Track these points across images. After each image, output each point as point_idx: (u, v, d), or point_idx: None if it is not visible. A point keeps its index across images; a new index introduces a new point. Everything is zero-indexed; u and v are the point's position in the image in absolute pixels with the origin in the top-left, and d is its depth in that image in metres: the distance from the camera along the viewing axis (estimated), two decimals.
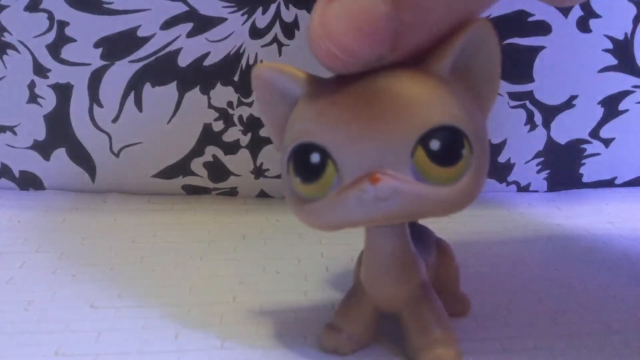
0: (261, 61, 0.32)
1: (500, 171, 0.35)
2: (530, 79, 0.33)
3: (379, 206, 0.16)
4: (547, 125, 0.34)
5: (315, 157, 0.16)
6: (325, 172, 0.16)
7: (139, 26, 0.31)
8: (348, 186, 0.16)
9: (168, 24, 0.31)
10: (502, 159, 0.35)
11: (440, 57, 0.16)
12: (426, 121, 0.15)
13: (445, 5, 0.15)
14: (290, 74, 0.17)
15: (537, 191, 0.36)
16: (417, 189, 0.16)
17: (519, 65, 0.32)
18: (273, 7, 0.31)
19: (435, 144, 0.15)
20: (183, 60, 0.32)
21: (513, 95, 0.33)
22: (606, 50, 0.32)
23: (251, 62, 0.32)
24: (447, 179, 0.16)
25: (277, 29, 0.31)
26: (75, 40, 0.31)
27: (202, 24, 0.31)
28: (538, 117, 0.34)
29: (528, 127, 0.34)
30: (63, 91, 0.33)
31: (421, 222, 0.22)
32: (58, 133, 0.34)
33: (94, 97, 0.33)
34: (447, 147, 0.16)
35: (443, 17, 0.15)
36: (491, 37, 0.16)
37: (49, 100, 0.33)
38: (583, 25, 0.32)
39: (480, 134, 0.16)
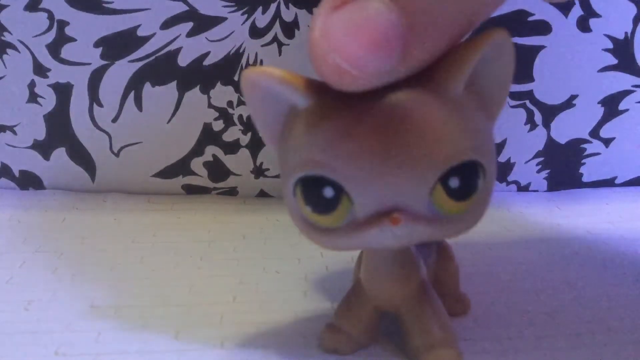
0: (261, 62, 0.32)
1: (501, 171, 0.35)
2: (530, 79, 0.33)
3: (395, 240, 0.16)
4: (547, 124, 0.34)
5: (328, 192, 0.16)
6: (339, 206, 0.16)
7: (139, 26, 0.31)
8: (367, 223, 0.16)
9: (168, 24, 0.31)
10: (502, 158, 0.35)
11: (457, 73, 0.15)
12: (447, 159, 0.15)
13: (455, 9, 0.14)
14: (284, 79, 0.16)
15: (537, 191, 0.36)
16: (433, 225, 0.16)
17: (519, 65, 0.32)
18: (273, 6, 0.31)
19: (454, 182, 0.15)
20: (183, 60, 0.32)
21: (513, 95, 0.33)
22: (606, 50, 0.32)
23: (251, 61, 0.32)
24: (463, 211, 0.16)
25: (277, 28, 0.31)
26: (75, 40, 0.31)
27: (202, 23, 0.31)
28: (538, 117, 0.34)
29: (528, 126, 0.34)
30: (63, 91, 0.33)
31: None
32: (58, 133, 0.34)
33: (94, 97, 0.33)
34: (465, 183, 0.15)
35: (453, 22, 0.14)
36: (509, 47, 0.16)
37: (49, 100, 0.33)
38: (583, 25, 0.32)
39: (491, 154, 0.16)
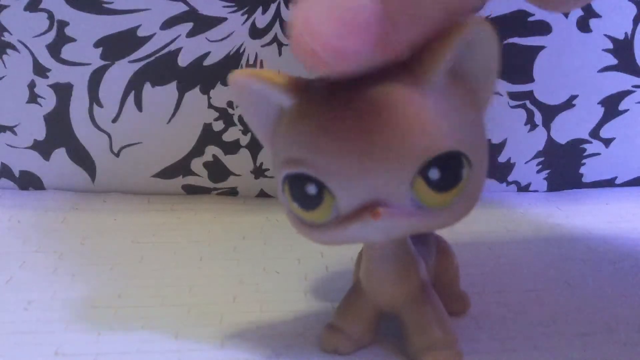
0: (261, 62, 0.32)
1: (501, 171, 0.35)
2: (531, 79, 0.33)
3: (378, 233, 0.16)
4: (547, 125, 0.34)
5: (311, 189, 0.16)
6: (323, 202, 0.16)
7: (139, 26, 0.31)
8: (349, 218, 0.16)
9: (168, 24, 0.31)
10: (502, 158, 0.35)
11: (434, 64, 0.15)
12: (424, 151, 0.15)
13: (437, 6, 0.14)
14: (268, 81, 0.16)
15: (537, 191, 0.36)
16: (416, 218, 0.16)
17: (519, 65, 0.32)
18: (273, 6, 0.31)
19: (434, 174, 0.15)
20: (183, 60, 0.32)
21: (513, 95, 0.33)
22: (606, 50, 0.32)
23: (251, 61, 0.32)
24: (447, 202, 0.16)
25: (277, 28, 0.31)
26: (75, 40, 0.31)
27: (202, 23, 0.31)
28: (538, 117, 0.34)
29: (528, 127, 0.34)
30: (63, 91, 0.33)
31: None
32: (58, 133, 0.34)
33: (94, 97, 0.33)
34: (446, 174, 0.15)
35: (432, 13, 0.14)
36: (486, 35, 0.15)
37: (49, 100, 0.33)
38: (583, 25, 0.32)
39: (478, 143, 0.16)
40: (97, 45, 0.31)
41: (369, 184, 0.15)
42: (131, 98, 0.33)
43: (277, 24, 0.31)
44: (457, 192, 0.16)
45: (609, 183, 0.36)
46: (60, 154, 0.34)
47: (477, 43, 0.15)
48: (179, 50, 0.32)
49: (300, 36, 0.14)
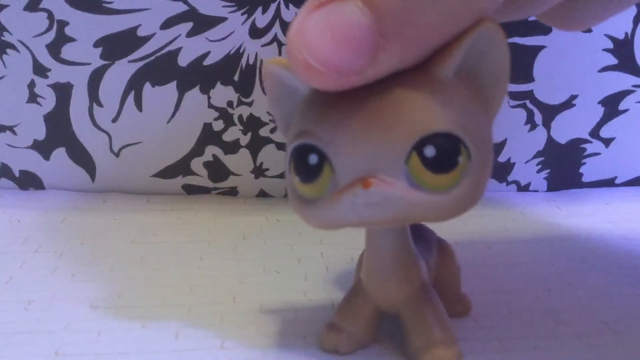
0: (261, 61, 0.32)
1: (500, 171, 0.35)
2: (531, 79, 0.33)
3: (371, 210, 0.16)
4: (547, 124, 0.34)
5: (313, 159, 0.16)
6: (322, 173, 0.16)
7: (139, 26, 0.31)
8: (342, 189, 0.16)
9: (168, 24, 0.31)
10: (502, 158, 0.35)
11: (443, 61, 0.15)
12: (422, 127, 0.15)
13: (430, 20, 0.14)
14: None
15: (537, 191, 0.36)
16: (409, 196, 0.15)
17: (519, 65, 0.32)
18: (273, 6, 0.31)
19: (430, 151, 0.15)
20: (183, 60, 0.32)
21: (513, 95, 0.33)
22: (606, 50, 0.32)
23: (251, 61, 0.32)
24: (442, 186, 0.16)
25: (277, 28, 0.31)
26: (75, 40, 0.31)
27: (202, 23, 0.31)
28: (538, 117, 0.34)
29: (528, 126, 0.34)
30: (63, 91, 0.33)
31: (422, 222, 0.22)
32: (58, 133, 0.34)
33: (93, 97, 0.33)
34: (442, 154, 0.15)
35: (427, 31, 0.14)
36: (498, 40, 0.16)
37: (49, 100, 0.33)
38: None
39: (482, 139, 0.16)
40: (97, 45, 0.31)
41: (366, 155, 0.15)
42: (131, 98, 0.33)
43: (277, 24, 0.31)
44: (453, 178, 0.16)
45: (609, 183, 0.36)
46: (60, 154, 0.34)
47: (487, 46, 0.16)
48: (179, 50, 0.32)
49: (295, 50, 0.14)
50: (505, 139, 0.34)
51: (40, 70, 0.32)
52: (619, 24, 0.32)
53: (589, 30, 0.32)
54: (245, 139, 0.34)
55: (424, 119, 0.15)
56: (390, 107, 0.15)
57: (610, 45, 0.32)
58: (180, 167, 0.34)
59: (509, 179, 0.35)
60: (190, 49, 0.32)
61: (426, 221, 0.17)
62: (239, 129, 0.34)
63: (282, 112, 0.18)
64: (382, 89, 0.15)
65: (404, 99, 0.15)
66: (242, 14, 0.31)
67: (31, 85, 0.32)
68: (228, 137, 0.34)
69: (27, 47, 0.32)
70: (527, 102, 0.33)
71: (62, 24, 0.31)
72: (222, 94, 0.33)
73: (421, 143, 0.15)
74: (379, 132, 0.15)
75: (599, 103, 0.34)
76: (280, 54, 0.32)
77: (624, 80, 0.33)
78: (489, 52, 0.16)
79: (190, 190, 0.35)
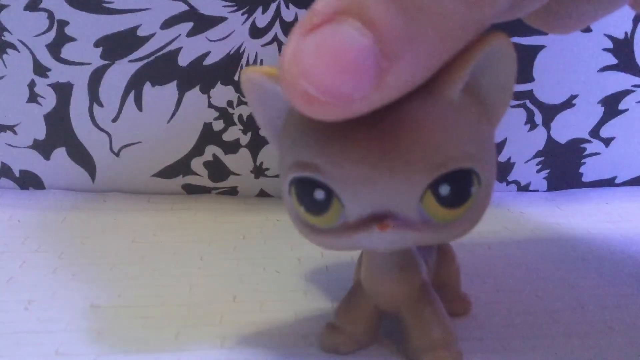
0: (261, 61, 0.32)
1: (500, 170, 0.35)
2: (530, 78, 0.33)
3: (386, 243, 0.16)
4: (547, 124, 0.34)
5: (319, 194, 0.15)
6: (330, 208, 0.16)
7: (139, 25, 0.31)
8: (356, 227, 0.15)
9: (168, 24, 0.31)
10: (502, 158, 0.35)
11: (451, 79, 0.15)
12: (437, 166, 0.15)
13: (434, 37, 0.13)
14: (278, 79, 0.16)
15: (537, 190, 0.36)
16: (423, 232, 0.16)
17: (519, 65, 0.32)
18: (273, 6, 0.31)
19: (444, 190, 0.15)
20: (183, 60, 0.32)
21: (513, 95, 0.33)
22: (606, 50, 0.32)
23: (251, 61, 0.32)
24: (455, 218, 0.16)
25: (277, 28, 0.31)
26: (75, 40, 0.31)
27: (202, 23, 0.31)
28: (538, 117, 0.34)
29: (528, 126, 0.34)
30: (63, 90, 0.33)
31: None
32: (58, 132, 0.34)
33: (94, 97, 0.33)
34: (456, 190, 0.15)
35: (432, 49, 0.13)
36: (508, 53, 0.15)
37: (49, 100, 0.33)
38: None
39: (489, 157, 0.16)
40: (97, 44, 0.31)
41: (378, 195, 0.15)
42: (131, 97, 0.33)
43: (277, 24, 0.31)
44: (466, 208, 0.16)
45: (609, 182, 0.36)
46: (60, 154, 0.34)
47: (495, 59, 0.15)
48: (179, 49, 0.32)
49: (292, 79, 0.13)
50: (505, 139, 0.34)
51: (40, 70, 0.32)
52: (619, 23, 0.32)
53: (589, 30, 0.32)
54: (245, 139, 0.34)
55: (437, 156, 0.15)
56: (399, 139, 0.14)
57: (610, 45, 0.32)
58: (180, 167, 0.34)
59: (509, 178, 0.35)
60: (190, 49, 0.32)
61: (435, 243, 0.17)
62: (239, 129, 0.34)
63: (266, 119, 0.18)
64: (389, 115, 0.14)
65: (413, 131, 0.14)
66: (242, 14, 0.31)
67: (31, 85, 0.32)
68: (228, 136, 0.34)
69: (28, 47, 0.32)
70: (527, 102, 0.33)
71: (63, 23, 0.31)
72: (222, 93, 0.33)
73: (436, 182, 0.15)
74: (390, 172, 0.14)
75: (598, 103, 0.34)
76: (280, 54, 0.32)
77: (624, 80, 0.33)
78: (497, 65, 0.15)
79: (190, 190, 0.35)
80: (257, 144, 0.34)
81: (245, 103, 0.33)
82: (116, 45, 0.31)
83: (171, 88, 0.32)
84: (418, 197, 0.15)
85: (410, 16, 0.13)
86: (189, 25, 0.31)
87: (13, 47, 0.32)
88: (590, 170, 0.36)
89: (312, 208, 0.16)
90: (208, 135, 0.34)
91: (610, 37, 0.32)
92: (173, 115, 0.33)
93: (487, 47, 0.14)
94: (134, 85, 0.32)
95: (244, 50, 0.32)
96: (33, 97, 0.33)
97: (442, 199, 0.15)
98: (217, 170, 0.35)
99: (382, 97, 0.13)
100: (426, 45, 0.13)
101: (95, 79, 0.32)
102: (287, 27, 0.31)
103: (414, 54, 0.13)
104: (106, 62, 0.32)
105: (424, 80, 0.14)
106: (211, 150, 0.34)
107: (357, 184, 0.15)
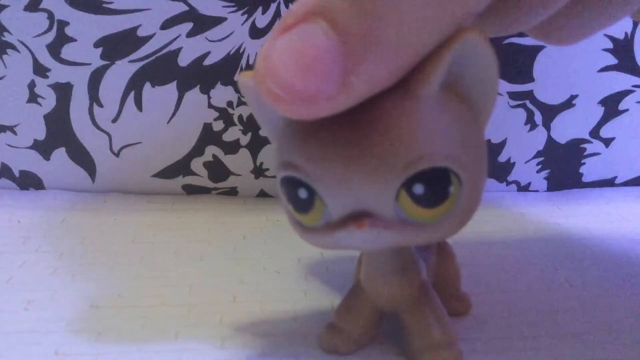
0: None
1: (500, 171, 0.35)
2: (530, 79, 0.33)
3: (366, 243, 0.16)
4: (547, 124, 0.34)
5: (302, 193, 0.16)
6: (314, 207, 0.16)
7: (139, 26, 0.31)
8: (335, 226, 0.16)
9: (168, 24, 0.31)
10: (502, 158, 0.35)
11: (424, 79, 0.14)
12: (409, 165, 0.14)
13: (400, 39, 0.13)
14: None
15: (537, 191, 0.36)
16: (402, 231, 0.15)
17: (518, 65, 0.32)
18: (273, 6, 0.31)
19: (418, 189, 0.15)
20: (183, 60, 0.32)
21: (513, 95, 0.33)
22: (606, 50, 0.32)
23: (251, 61, 0.32)
24: (433, 218, 0.15)
25: None
26: (75, 40, 0.31)
27: (202, 23, 0.31)
28: (538, 117, 0.34)
29: (528, 126, 0.34)
30: (63, 91, 0.33)
31: None
32: (58, 133, 0.34)
33: (94, 97, 0.33)
34: (431, 190, 0.15)
35: (398, 50, 0.13)
36: (482, 49, 0.15)
37: (49, 100, 0.33)
38: None
39: (473, 156, 0.15)
40: (97, 45, 0.31)
41: (355, 194, 0.15)
42: (131, 98, 0.33)
43: (277, 24, 0.31)
44: (445, 209, 0.15)
45: (609, 183, 0.36)
46: (60, 154, 0.34)
47: (471, 55, 0.15)
48: (179, 50, 0.32)
49: (261, 77, 0.13)
50: (505, 139, 0.34)
51: (40, 70, 0.32)
52: (619, 24, 0.32)
53: None
54: (245, 139, 0.34)
55: (410, 154, 0.14)
56: (374, 139, 0.14)
57: (610, 45, 0.32)
58: (180, 167, 0.34)
59: (509, 179, 0.35)
60: (190, 49, 0.32)
61: (419, 244, 0.17)
62: (239, 129, 0.34)
63: (266, 120, 0.18)
64: (364, 115, 0.14)
65: (388, 129, 0.14)
66: (242, 14, 0.31)
67: (31, 85, 0.32)
68: (228, 137, 0.34)
69: (28, 47, 0.32)
70: (527, 102, 0.33)
71: (63, 24, 0.31)
72: (222, 94, 0.33)
73: (409, 182, 0.15)
74: (365, 171, 0.15)
75: (598, 103, 0.34)
76: None
77: (624, 80, 0.33)
78: (472, 60, 0.15)
79: (190, 190, 0.35)
80: (257, 144, 0.34)
81: (245, 103, 0.33)
82: (116, 46, 0.31)
83: (171, 88, 0.32)
84: (393, 197, 0.15)
85: (373, 18, 0.13)
86: (189, 26, 0.31)
87: (13, 47, 0.32)
88: (590, 170, 0.36)
89: (298, 206, 0.16)
90: (208, 136, 0.34)
91: (610, 37, 0.32)
92: (173, 115, 0.33)
93: (456, 45, 0.14)
94: (134, 86, 0.32)
95: (244, 50, 0.32)
96: (33, 98, 0.33)
97: (417, 199, 0.15)
98: (217, 170, 0.35)
99: (348, 98, 0.13)
100: (390, 48, 0.13)
101: (95, 79, 0.32)
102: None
103: (377, 55, 0.13)
104: (106, 62, 0.32)
105: (394, 81, 0.14)
106: (211, 151, 0.34)
107: (334, 183, 0.15)
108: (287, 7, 0.31)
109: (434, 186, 0.15)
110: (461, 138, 0.15)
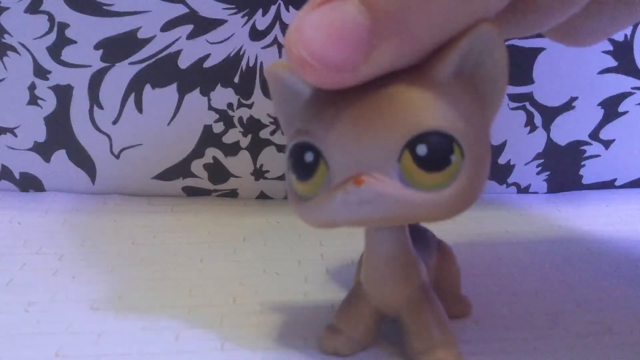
0: (261, 64, 0.32)
1: (501, 173, 0.35)
2: (530, 81, 0.33)
3: (363, 209, 0.16)
4: (547, 126, 0.34)
5: (308, 156, 0.16)
6: (317, 171, 0.16)
7: (140, 28, 0.31)
8: (334, 187, 0.16)
9: (168, 26, 0.31)
10: (502, 160, 0.35)
11: (439, 62, 0.16)
12: (414, 126, 0.15)
13: (426, 22, 0.15)
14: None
15: (537, 193, 0.36)
16: (401, 194, 0.16)
17: (518, 67, 0.32)
18: (273, 8, 0.31)
19: (422, 149, 0.15)
20: (183, 62, 0.32)
21: (513, 97, 0.33)
22: (606, 52, 0.32)
23: (251, 63, 0.32)
24: (434, 185, 0.16)
25: (277, 30, 0.31)
26: (76, 42, 0.31)
27: (203, 25, 0.31)
28: (538, 119, 0.34)
29: (528, 128, 0.34)
30: (63, 93, 0.33)
31: (422, 224, 0.22)
32: (58, 135, 0.34)
33: (94, 99, 0.33)
34: (434, 152, 0.15)
35: (422, 33, 0.15)
36: (495, 43, 0.16)
37: (50, 102, 0.33)
38: None
39: (477, 140, 0.16)
40: (97, 47, 0.31)
41: (359, 153, 0.16)
42: (131, 100, 0.33)
43: (277, 26, 0.31)
44: (445, 177, 0.16)
45: (609, 185, 0.36)
46: (60, 156, 0.34)
47: (485, 47, 0.16)
48: (179, 52, 0.32)
49: (292, 45, 0.15)
50: (505, 141, 0.34)
51: (40, 72, 0.32)
52: None
53: None
54: (245, 141, 0.34)
55: (416, 117, 0.15)
56: (383, 105, 0.15)
57: (610, 47, 0.32)
58: (181, 169, 0.34)
59: (509, 180, 0.36)
60: (190, 51, 0.32)
61: (419, 221, 0.17)
62: (239, 131, 0.34)
63: (286, 114, 0.18)
64: (378, 88, 0.16)
65: (397, 97, 0.15)
66: (242, 16, 0.31)
67: (32, 87, 0.32)
68: (228, 139, 0.34)
69: (28, 50, 0.32)
70: (527, 104, 0.33)
71: (63, 26, 0.31)
72: (223, 96, 0.33)
73: (413, 141, 0.15)
74: (371, 130, 0.15)
75: (598, 105, 0.34)
76: (280, 56, 0.32)
77: (624, 82, 0.33)
78: (486, 53, 0.16)
79: (191, 192, 0.35)
80: (257, 146, 0.34)
81: (245, 105, 0.33)
82: (116, 48, 0.31)
83: (171, 90, 0.32)
84: (396, 156, 0.15)
85: (402, 3, 0.14)
86: (189, 28, 0.31)
87: (13, 49, 0.32)
88: (590, 172, 0.36)
89: (302, 172, 0.17)
90: (208, 138, 0.34)
91: (609, 39, 0.32)
92: (173, 117, 0.33)
93: (471, 35, 0.15)
94: (134, 88, 0.32)
95: (244, 52, 0.32)
96: (33, 100, 0.33)
97: (419, 159, 0.15)
98: (217, 172, 0.35)
99: (369, 70, 0.15)
100: (414, 31, 0.15)
101: (96, 81, 0.32)
102: (287, 30, 0.31)
103: (403, 36, 0.15)
104: (106, 64, 0.32)
105: (413, 62, 0.15)
106: (211, 153, 0.34)
107: (341, 142, 0.16)
108: (287, 9, 0.31)
109: (437, 150, 0.15)
110: (467, 117, 0.16)
